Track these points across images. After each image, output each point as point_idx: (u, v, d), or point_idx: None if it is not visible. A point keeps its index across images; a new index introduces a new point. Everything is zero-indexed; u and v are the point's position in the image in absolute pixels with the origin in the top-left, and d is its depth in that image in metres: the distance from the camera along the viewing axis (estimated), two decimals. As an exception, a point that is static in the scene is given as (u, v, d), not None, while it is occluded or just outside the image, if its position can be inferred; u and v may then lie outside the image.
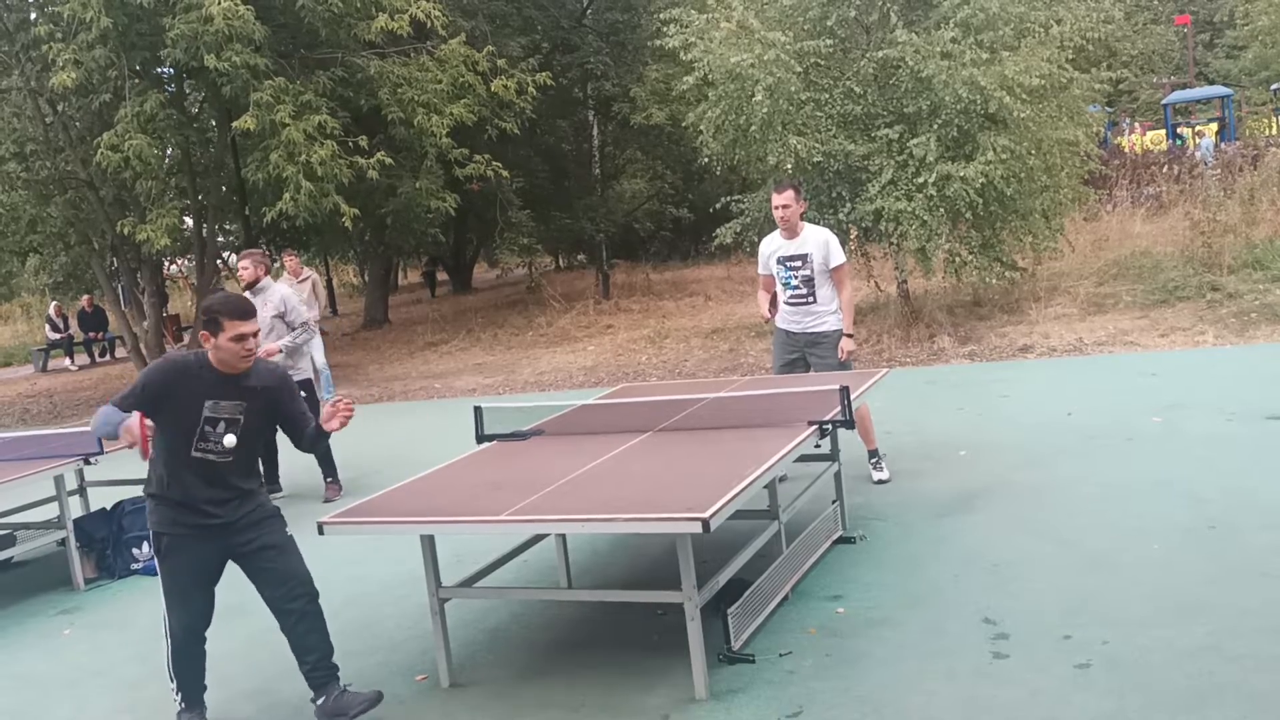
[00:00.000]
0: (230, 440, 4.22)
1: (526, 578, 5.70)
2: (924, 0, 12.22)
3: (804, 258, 6.76)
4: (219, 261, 18.43)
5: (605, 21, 22.38)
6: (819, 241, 6.75)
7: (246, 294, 8.21)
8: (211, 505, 4.24)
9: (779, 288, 6.91)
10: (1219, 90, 31.59)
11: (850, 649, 4.43)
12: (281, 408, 4.42)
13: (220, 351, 4.19)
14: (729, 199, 13.31)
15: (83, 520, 7.09)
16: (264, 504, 4.42)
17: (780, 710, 3.98)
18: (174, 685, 4.40)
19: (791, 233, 6.77)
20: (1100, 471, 6.53)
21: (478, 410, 5.76)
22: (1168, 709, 3.66)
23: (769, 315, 6.90)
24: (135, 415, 4.10)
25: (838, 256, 6.76)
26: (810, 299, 6.78)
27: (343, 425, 4.39)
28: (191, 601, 4.31)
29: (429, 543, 4.54)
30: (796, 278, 6.78)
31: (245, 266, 8.17)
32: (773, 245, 6.91)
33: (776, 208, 6.71)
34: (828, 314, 6.79)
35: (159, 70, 15.46)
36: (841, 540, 5.76)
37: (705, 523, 3.74)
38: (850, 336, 6.84)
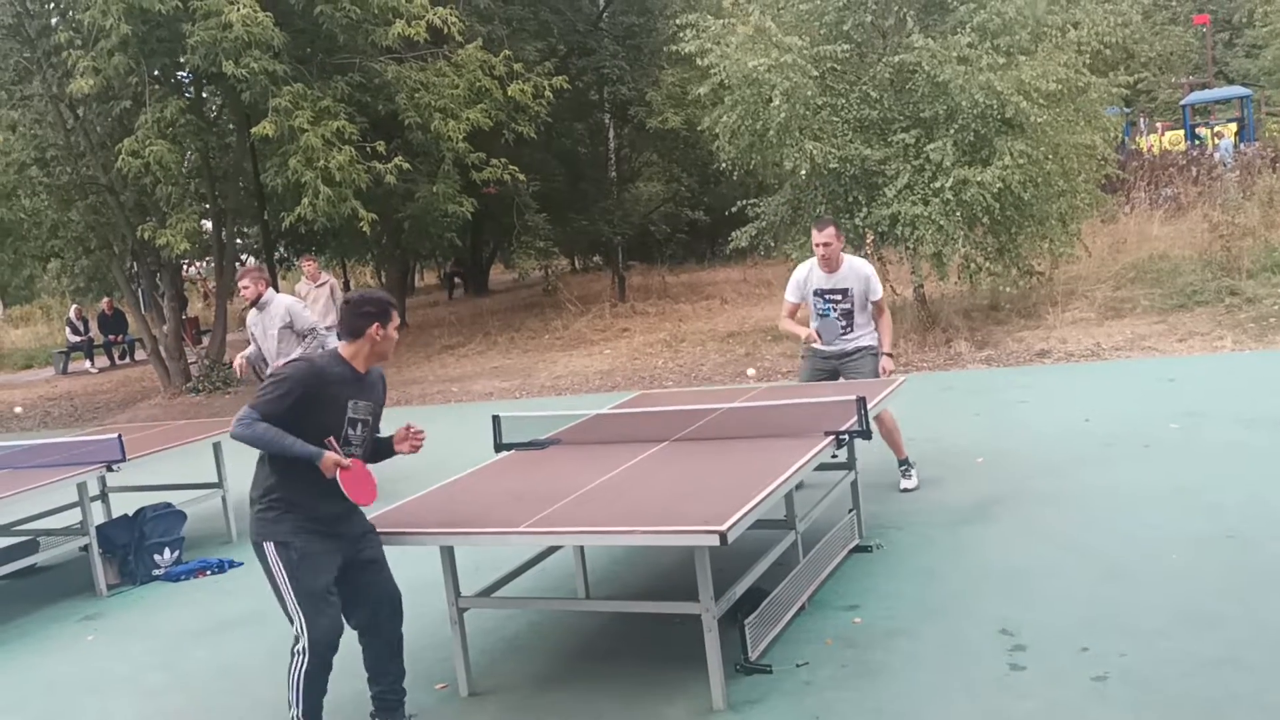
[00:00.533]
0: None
1: (544, 586, 5.73)
2: (940, 5, 12.23)
3: (844, 292, 6.82)
4: (238, 264, 18.55)
5: (621, 25, 22.40)
6: (860, 276, 6.81)
7: (253, 310, 8.28)
8: (336, 511, 4.13)
9: (815, 317, 6.94)
10: (1238, 91, 31.39)
11: (867, 660, 4.44)
12: (381, 409, 4.40)
13: (385, 343, 4.18)
14: (744, 203, 13.32)
15: (105, 527, 7.17)
16: (363, 514, 4.34)
17: (798, 721, 4.00)
18: (298, 707, 4.08)
19: (832, 267, 6.81)
20: (1118, 479, 6.53)
21: (496, 420, 5.80)
22: (1185, 723, 3.67)
23: (814, 337, 6.85)
24: (330, 453, 4.03)
25: (877, 290, 6.86)
26: (849, 329, 6.85)
27: (412, 451, 4.40)
28: (331, 607, 4.10)
29: (449, 553, 4.58)
30: (836, 310, 6.84)
31: (245, 285, 8.21)
32: (812, 278, 6.92)
33: (818, 245, 6.76)
34: (864, 335, 6.88)
35: (179, 75, 15.59)
36: (858, 549, 5.78)
37: (723, 535, 3.76)
38: (891, 356, 6.94)
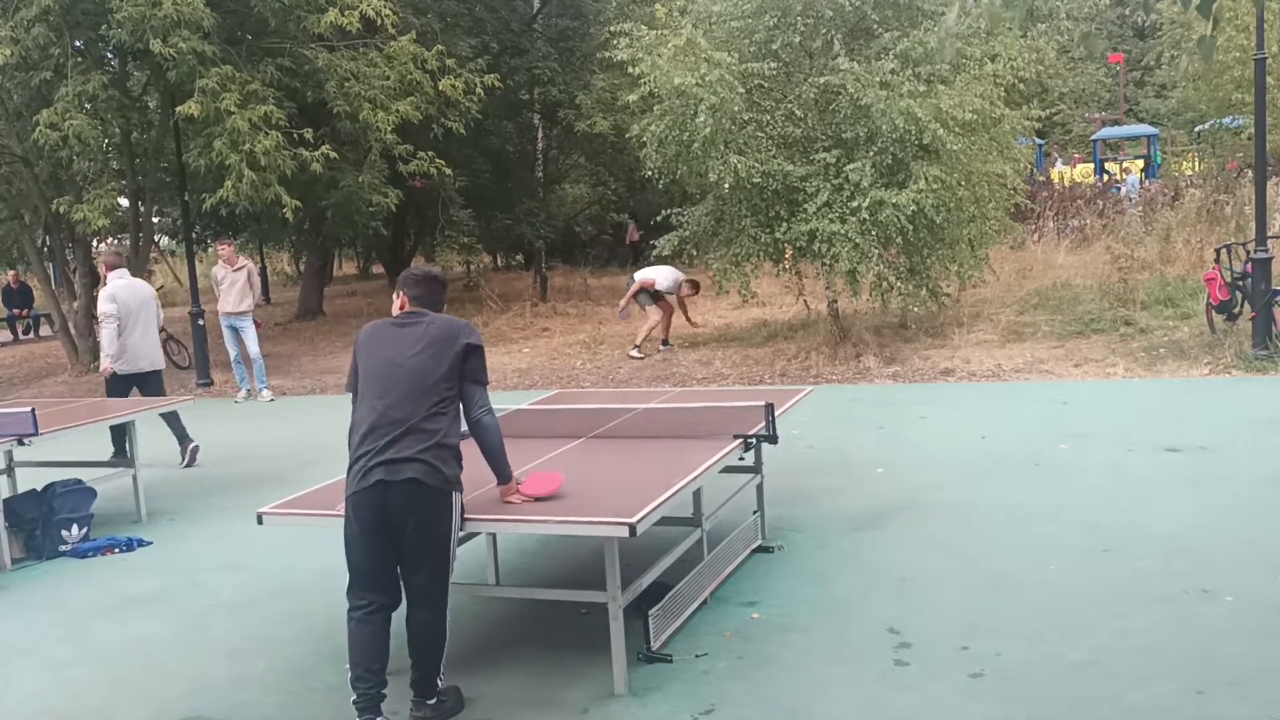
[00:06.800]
0: None
1: (456, 572, 5.84)
2: (866, 31, 12.60)
3: None
4: (154, 242, 18.25)
5: (555, 28, 22.56)
6: None
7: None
8: None
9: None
10: (1146, 129, 32.60)
11: (762, 653, 4.68)
12: None
13: None
14: (669, 211, 13.55)
15: (13, 500, 7.10)
16: None
17: (694, 708, 4.21)
18: (442, 679, 4.38)
19: None
20: (1007, 494, 6.88)
21: (416, 410, 5.91)
22: (1051, 719, 3.96)
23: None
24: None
25: None
26: None
27: None
28: None
29: (365, 537, 4.69)
30: None
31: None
32: None
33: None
34: None
35: (102, 47, 15.33)
36: (760, 549, 6.02)
37: (632, 528, 3.97)
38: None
